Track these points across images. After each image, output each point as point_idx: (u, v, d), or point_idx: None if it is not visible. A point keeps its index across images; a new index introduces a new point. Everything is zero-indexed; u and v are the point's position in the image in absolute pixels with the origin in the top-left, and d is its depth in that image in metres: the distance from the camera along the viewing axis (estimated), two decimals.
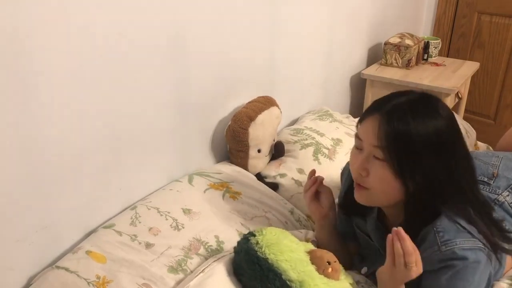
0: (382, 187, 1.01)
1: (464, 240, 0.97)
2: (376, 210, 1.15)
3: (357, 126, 1.08)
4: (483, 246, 0.97)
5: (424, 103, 1.01)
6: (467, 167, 1.04)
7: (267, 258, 0.97)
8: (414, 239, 0.94)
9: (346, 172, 1.30)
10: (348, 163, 1.32)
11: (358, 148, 1.04)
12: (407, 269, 0.92)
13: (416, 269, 0.93)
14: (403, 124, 0.96)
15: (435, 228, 0.99)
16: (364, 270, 1.19)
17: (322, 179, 1.20)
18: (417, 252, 0.93)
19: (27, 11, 0.94)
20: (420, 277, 0.98)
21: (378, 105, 1.02)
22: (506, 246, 1.03)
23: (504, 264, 1.17)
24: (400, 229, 0.92)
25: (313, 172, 1.20)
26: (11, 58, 0.94)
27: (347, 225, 1.26)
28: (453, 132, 1.01)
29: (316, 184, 1.19)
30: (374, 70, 2.32)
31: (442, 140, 0.98)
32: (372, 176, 1.01)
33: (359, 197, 1.06)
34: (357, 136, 1.05)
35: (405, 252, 0.91)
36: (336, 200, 1.26)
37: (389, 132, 0.96)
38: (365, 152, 1.01)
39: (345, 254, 1.25)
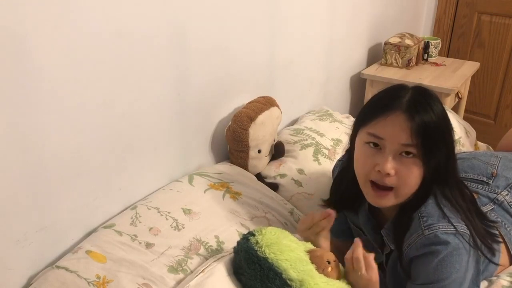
0: (410, 182, 1.01)
1: (446, 225, 0.99)
2: (367, 202, 1.15)
3: (359, 127, 1.06)
4: (465, 231, 0.99)
5: (425, 93, 1.03)
6: (454, 150, 1.07)
7: (267, 258, 0.97)
8: (406, 225, 0.98)
9: (337, 169, 1.30)
10: (339, 160, 1.33)
11: (375, 145, 1.01)
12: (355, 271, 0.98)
13: (365, 274, 0.98)
14: (428, 117, 0.98)
15: (419, 214, 1.02)
16: None
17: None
18: (368, 260, 0.98)
19: (25, 9, 0.94)
20: (409, 269, 1.02)
21: (390, 103, 1.01)
22: (486, 238, 1.05)
23: (499, 255, 1.17)
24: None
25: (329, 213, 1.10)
26: (9, 57, 0.94)
27: (342, 222, 1.26)
28: (447, 115, 1.04)
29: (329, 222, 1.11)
30: (374, 70, 2.32)
31: (447, 124, 1.02)
32: (401, 173, 0.99)
33: (386, 201, 1.03)
34: (374, 135, 1.01)
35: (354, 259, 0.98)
36: None
37: (421, 128, 0.97)
38: (390, 150, 0.99)
39: (342, 255, 1.25)
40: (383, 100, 1.05)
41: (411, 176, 1.00)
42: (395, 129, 0.99)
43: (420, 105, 0.99)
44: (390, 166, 0.99)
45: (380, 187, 1.02)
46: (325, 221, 1.09)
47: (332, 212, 1.08)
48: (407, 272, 1.05)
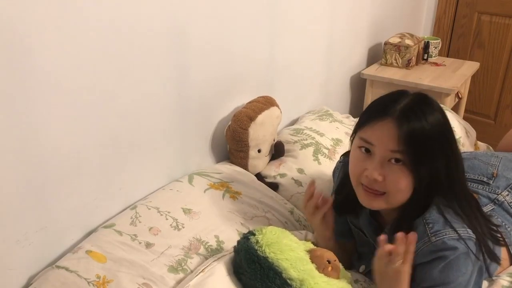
0: (399, 189, 1.00)
1: (453, 230, 0.98)
2: None
3: (357, 129, 1.06)
4: (472, 236, 0.99)
5: (424, 101, 1.02)
6: (460, 160, 1.06)
7: (267, 257, 0.97)
8: (407, 232, 0.97)
9: (338, 171, 1.30)
10: (340, 161, 1.33)
11: (367, 151, 1.02)
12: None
13: (398, 267, 0.95)
14: (419, 125, 0.97)
15: (424, 220, 1.01)
16: (362, 268, 1.20)
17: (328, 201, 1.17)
18: (409, 252, 0.95)
19: (25, 9, 0.94)
20: (413, 272, 1.00)
21: (384, 108, 1.00)
22: (491, 242, 1.04)
23: (499, 257, 1.17)
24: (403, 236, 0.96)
25: (312, 183, 1.16)
26: (9, 57, 0.93)
27: (342, 222, 1.26)
28: (449, 124, 1.03)
29: (317, 200, 1.16)
30: (374, 70, 2.32)
31: (445, 134, 1.01)
32: (389, 179, 0.99)
33: (377, 204, 1.04)
34: (364, 140, 1.02)
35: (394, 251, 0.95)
36: None
37: (408, 135, 0.96)
38: (379, 156, 1.00)
39: (343, 255, 1.24)
40: (379, 105, 1.05)
41: (399, 183, 0.99)
42: (383, 135, 0.99)
43: (413, 113, 0.98)
44: (377, 173, 0.99)
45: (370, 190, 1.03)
46: (325, 207, 1.15)
47: (328, 199, 1.15)
48: (411, 275, 1.04)
